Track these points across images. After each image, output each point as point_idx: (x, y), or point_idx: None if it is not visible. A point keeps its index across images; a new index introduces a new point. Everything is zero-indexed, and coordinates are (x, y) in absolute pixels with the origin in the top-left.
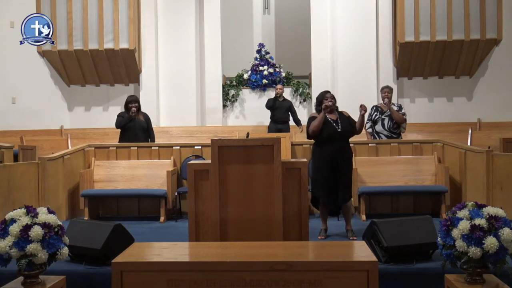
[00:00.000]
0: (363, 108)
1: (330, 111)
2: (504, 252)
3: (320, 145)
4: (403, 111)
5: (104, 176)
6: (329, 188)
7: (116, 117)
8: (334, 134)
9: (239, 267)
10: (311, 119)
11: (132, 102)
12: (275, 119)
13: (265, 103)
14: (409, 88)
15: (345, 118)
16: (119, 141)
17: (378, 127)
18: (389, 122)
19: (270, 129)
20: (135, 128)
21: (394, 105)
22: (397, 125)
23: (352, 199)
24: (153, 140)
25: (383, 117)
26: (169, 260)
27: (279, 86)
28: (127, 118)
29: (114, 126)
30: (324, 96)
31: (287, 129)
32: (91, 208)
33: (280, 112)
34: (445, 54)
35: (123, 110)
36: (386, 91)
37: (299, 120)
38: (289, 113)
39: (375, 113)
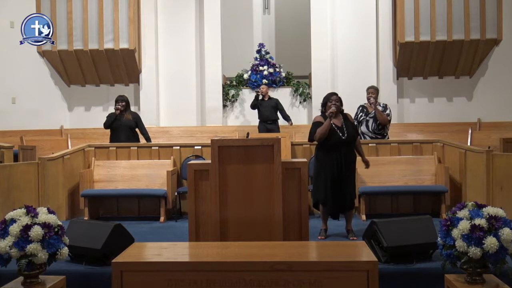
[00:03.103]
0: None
1: (335, 115)
2: (504, 252)
3: (324, 150)
4: (387, 111)
5: (104, 176)
6: (332, 192)
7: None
8: (339, 142)
9: (239, 267)
10: (315, 124)
11: (119, 101)
12: (263, 119)
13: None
14: (409, 88)
15: (350, 123)
16: (110, 141)
17: (363, 128)
18: (373, 124)
19: (260, 129)
20: (120, 127)
21: (380, 105)
22: (382, 126)
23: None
24: (147, 138)
25: (367, 118)
26: (169, 260)
27: (262, 86)
28: (113, 118)
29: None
30: (329, 98)
31: (276, 129)
32: (91, 208)
33: (267, 112)
34: (445, 54)
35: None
36: (371, 91)
37: (288, 116)
38: (277, 111)
39: (361, 113)
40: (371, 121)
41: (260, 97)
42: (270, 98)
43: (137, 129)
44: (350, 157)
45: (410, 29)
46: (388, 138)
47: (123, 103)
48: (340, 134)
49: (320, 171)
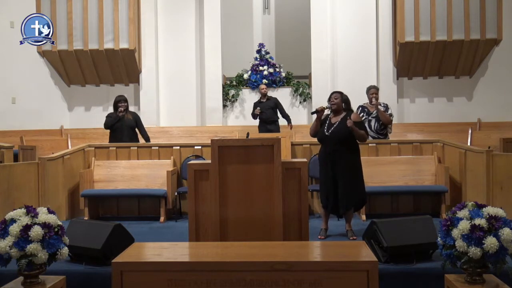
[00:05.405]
0: (349, 122)
1: (335, 112)
2: (504, 252)
3: (320, 147)
4: (389, 111)
5: (104, 176)
6: (327, 190)
7: (105, 117)
8: (323, 137)
9: (239, 267)
10: None
11: (121, 101)
12: (263, 119)
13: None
14: (409, 88)
15: (346, 121)
16: (109, 141)
17: None
18: (376, 124)
19: (260, 129)
20: (122, 127)
21: (381, 104)
22: (384, 126)
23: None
24: (146, 138)
25: (369, 118)
26: (169, 260)
27: (262, 86)
28: (114, 118)
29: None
30: (330, 97)
31: (276, 129)
32: (91, 208)
33: (267, 113)
34: (445, 54)
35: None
36: (373, 91)
37: (288, 116)
38: (277, 110)
39: (362, 113)
40: (373, 121)
41: (264, 99)
42: (268, 98)
43: (136, 129)
44: (342, 156)
45: (410, 29)
46: (388, 138)
47: (125, 104)
48: (325, 130)
49: (320, 168)
